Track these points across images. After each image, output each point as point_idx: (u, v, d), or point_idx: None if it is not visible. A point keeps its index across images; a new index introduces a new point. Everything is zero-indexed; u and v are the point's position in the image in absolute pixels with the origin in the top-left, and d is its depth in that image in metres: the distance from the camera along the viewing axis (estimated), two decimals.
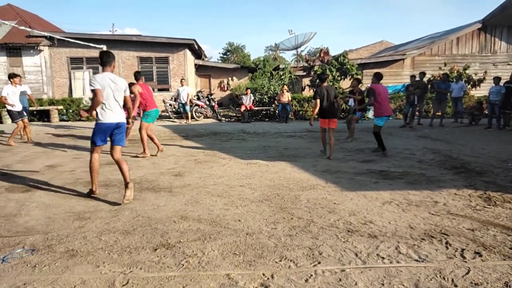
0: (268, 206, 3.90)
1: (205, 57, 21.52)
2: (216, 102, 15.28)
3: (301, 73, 16.47)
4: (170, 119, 14.10)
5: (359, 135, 9.42)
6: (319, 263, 2.62)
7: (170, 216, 3.60)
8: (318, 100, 6.46)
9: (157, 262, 2.65)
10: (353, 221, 3.44)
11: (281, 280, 2.38)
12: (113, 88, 3.98)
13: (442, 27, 78.68)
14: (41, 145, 8.19)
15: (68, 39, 11.36)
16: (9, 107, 8.16)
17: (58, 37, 13.16)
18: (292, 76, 16.65)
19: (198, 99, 14.59)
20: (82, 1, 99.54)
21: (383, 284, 2.32)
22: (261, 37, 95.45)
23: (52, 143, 8.46)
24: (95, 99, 3.87)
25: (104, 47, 9.33)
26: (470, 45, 17.67)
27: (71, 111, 13.75)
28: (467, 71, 14.73)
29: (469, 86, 14.50)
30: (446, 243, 2.93)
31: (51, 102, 13.60)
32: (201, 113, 14.21)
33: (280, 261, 2.65)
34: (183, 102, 13.28)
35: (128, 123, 4.40)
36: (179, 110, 13.90)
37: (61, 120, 13.58)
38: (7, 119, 12.63)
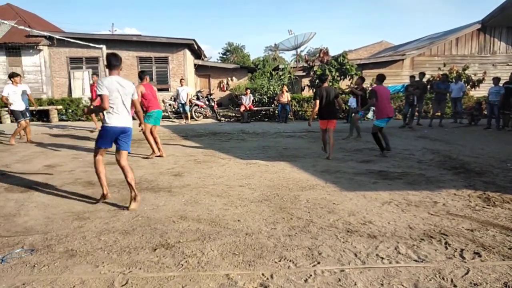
0: (267, 206, 3.90)
1: (205, 57, 21.53)
2: (215, 102, 15.28)
3: (300, 73, 16.49)
4: (170, 119, 14.10)
5: (360, 134, 9.42)
6: (319, 263, 2.62)
7: (170, 216, 3.60)
8: (318, 101, 6.49)
9: (156, 262, 2.64)
10: (353, 221, 3.45)
11: (280, 280, 2.38)
12: (121, 92, 3.85)
13: (442, 27, 78.96)
14: (40, 145, 8.18)
15: (68, 39, 11.34)
16: (11, 107, 8.21)
17: (57, 37, 13.14)
18: (292, 76, 16.66)
19: (198, 99, 14.59)
20: (82, 1, 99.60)
21: (382, 284, 2.32)
22: (261, 37, 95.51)
23: (51, 143, 8.44)
24: (101, 104, 3.77)
25: (104, 47, 9.31)
26: (469, 45, 17.69)
27: (70, 111, 13.74)
28: (466, 72, 14.75)
29: (469, 86, 14.53)
30: (446, 243, 2.94)
31: (51, 102, 13.59)
32: (200, 113, 14.21)
33: (280, 261, 2.65)
34: (183, 102, 13.28)
35: (139, 125, 4.30)
36: (178, 110, 13.90)
37: (60, 120, 13.57)
38: (6, 119, 12.63)
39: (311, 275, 2.44)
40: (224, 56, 49.99)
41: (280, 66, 19.18)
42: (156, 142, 6.74)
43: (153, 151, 6.70)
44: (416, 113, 11.66)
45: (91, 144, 8.27)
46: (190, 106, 13.66)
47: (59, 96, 14.77)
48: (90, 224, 3.40)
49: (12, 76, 8.32)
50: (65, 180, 5.04)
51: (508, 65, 17.44)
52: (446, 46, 17.66)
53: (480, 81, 14.69)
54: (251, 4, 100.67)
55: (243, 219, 3.52)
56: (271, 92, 14.88)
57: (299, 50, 20.96)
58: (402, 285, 2.31)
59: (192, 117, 13.73)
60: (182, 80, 13.83)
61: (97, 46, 9.84)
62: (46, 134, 10.16)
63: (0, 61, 14.85)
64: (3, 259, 2.68)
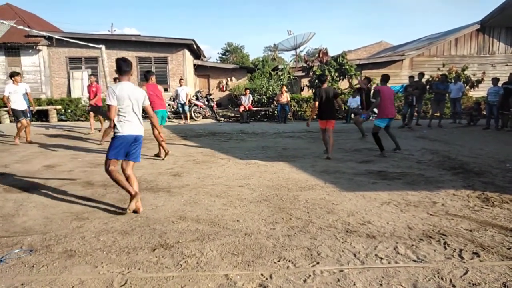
0: (266, 206, 3.90)
1: (204, 57, 21.51)
2: (215, 102, 15.29)
3: (300, 73, 16.51)
4: (169, 119, 14.08)
5: (358, 135, 9.43)
6: (318, 263, 2.62)
7: (169, 217, 3.60)
8: (317, 102, 6.53)
9: (155, 263, 2.64)
10: (352, 221, 3.45)
11: (279, 281, 2.38)
12: (132, 99, 3.70)
13: (442, 27, 79.08)
14: (39, 145, 8.17)
15: (67, 39, 11.30)
16: (12, 106, 8.21)
17: (56, 37, 13.12)
18: (291, 77, 16.68)
19: (197, 99, 14.59)
20: (81, 1, 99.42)
21: (381, 285, 2.32)
22: (261, 37, 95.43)
23: (50, 143, 8.43)
24: (108, 114, 3.66)
25: (103, 47, 9.28)
26: (468, 46, 17.72)
27: (69, 111, 13.72)
28: (465, 72, 14.76)
29: (468, 87, 14.54)
30: (444, 243, 2.94)
31: (50, 102, 13.57)
32: (200, 113, 14.21)
33: (279, 261, 2.65)
34: (182, 102, 13.28)
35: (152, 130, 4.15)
36: (178, 110, 13.90)
37: (59, 120, 13.55)
38: (6, 119, 12.61)
39: (310, 275, 2.44)
40: (224, 56, 49.98)
41: (280, 66, 19.20)
42: (158, 142, 6.75)
43: (164, 150, 6.57)
44: (415, 114, 11.67)
45: (91, 144, 8.29)
46: (190, 106, 13.66)
47: (58, 96, 14.75)
48: (89, 224, 3.40)
49: (13, 75, 8.34)
50: (64, 181, 5.03)
51: (507, 65, 17.47)
52: (445, 46, 17.68)
53: (479, 82, 14.70)
54: (251, 4, 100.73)
55: (242, 219, 3.52)
56: (270, 92, 14.88)
57: (298, 50, 20.99)
58: (401, 285, 2.31)
59: (191, 117, 13.74)
60: (182, 80, 13.83)
61: (96, 46, 9.80)
62: (45, 134, 10.15)
63: None
64: (2, 259, 2.68)
